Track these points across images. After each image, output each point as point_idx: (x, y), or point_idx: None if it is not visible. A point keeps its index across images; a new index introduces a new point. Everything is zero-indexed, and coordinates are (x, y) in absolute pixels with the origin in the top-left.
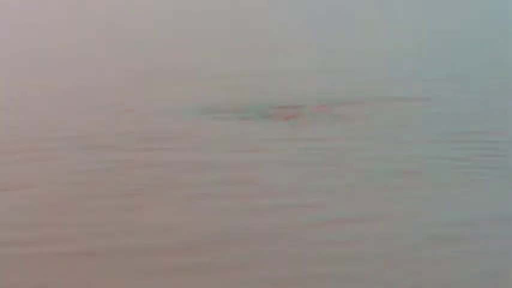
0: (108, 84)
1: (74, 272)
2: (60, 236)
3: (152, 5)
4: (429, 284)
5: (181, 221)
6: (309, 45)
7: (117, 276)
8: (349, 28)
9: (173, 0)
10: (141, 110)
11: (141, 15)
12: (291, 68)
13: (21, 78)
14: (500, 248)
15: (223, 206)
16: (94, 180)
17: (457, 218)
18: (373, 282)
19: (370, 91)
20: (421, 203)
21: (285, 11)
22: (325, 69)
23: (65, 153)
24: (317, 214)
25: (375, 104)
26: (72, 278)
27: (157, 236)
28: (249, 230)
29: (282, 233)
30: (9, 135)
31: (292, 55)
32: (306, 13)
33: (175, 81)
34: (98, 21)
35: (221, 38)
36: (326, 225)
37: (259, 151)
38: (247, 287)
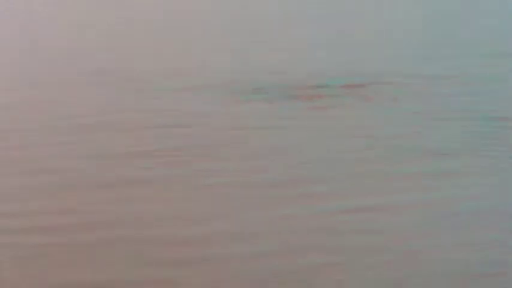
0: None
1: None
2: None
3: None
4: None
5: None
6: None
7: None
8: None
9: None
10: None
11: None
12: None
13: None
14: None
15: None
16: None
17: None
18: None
19: (394, 70)
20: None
21: None
22: (347, 45)
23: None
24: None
25: (399, 84)
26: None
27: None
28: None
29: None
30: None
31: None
32: None
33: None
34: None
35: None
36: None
37: (284, 129)
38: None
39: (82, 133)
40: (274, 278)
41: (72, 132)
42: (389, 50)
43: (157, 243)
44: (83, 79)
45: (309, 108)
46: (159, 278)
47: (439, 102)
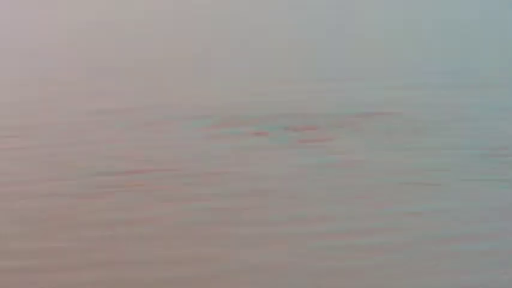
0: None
1: None
2: None
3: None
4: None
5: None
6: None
7: None
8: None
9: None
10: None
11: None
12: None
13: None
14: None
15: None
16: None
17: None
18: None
19: (390, 100)
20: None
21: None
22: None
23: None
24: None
25: (393, 114)
26: None
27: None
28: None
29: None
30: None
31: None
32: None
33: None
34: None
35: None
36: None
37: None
38: None
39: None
40: None
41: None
42: (385, 78)
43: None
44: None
45: (302, 140)
46: None
47: (438, 131)
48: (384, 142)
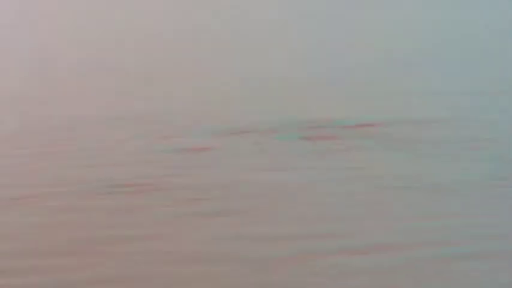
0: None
1: None
2: None
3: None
4: None
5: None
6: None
7: None
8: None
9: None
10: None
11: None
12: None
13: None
14: None
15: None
16: None
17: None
18: None
19: (410, 111)
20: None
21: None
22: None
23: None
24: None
25: (412, 125)
26: None
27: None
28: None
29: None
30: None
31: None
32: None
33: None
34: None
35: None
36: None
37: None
38: None
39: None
40: None
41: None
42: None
43: None
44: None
45: (317, 150)
46: None
47: (449, 142)
48: (402, 152)
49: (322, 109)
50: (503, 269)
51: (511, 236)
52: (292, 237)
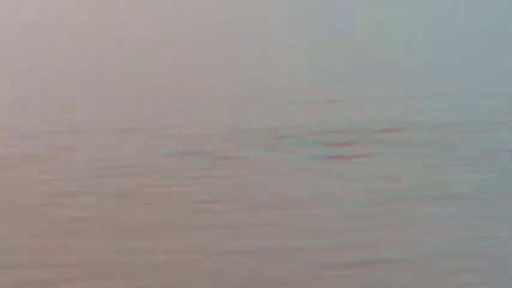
0: None
1: None
2: None
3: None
4: None
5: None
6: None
7: None
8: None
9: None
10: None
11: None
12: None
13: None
14: None
15: None
16: None
17: None
18: None
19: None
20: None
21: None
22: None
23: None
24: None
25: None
26: None
27: None
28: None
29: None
30: None
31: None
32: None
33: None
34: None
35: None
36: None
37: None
38: None
39: None
40: None
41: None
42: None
43: None
44: None
45: (335, 157)
46: None
47: (472, 150)
48: (423, 159)
49: (340, 113)
50: None
51: None
52: (313, 249)
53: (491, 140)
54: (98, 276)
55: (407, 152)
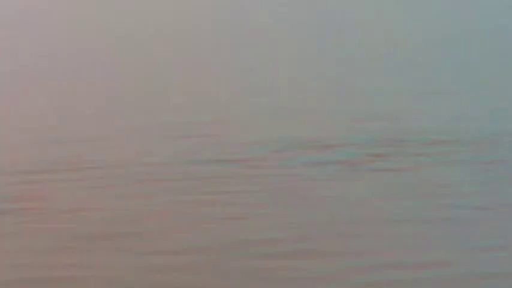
0: None
1: None
2: None
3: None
4: None
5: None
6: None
7: None
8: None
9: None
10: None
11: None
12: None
13: None
14: None
15: None
16: None
17: None
18: None
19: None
20: None
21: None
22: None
23: None
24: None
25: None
26: None
27: None
28: None
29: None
30: None
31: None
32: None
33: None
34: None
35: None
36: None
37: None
38: None
39: None
40: None
41: None
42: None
43: None
44: None
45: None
46: None
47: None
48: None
49: (391, 122)
50: None
51: None
52: (350, 254)
53: None
54: None
55: (459, 162)
